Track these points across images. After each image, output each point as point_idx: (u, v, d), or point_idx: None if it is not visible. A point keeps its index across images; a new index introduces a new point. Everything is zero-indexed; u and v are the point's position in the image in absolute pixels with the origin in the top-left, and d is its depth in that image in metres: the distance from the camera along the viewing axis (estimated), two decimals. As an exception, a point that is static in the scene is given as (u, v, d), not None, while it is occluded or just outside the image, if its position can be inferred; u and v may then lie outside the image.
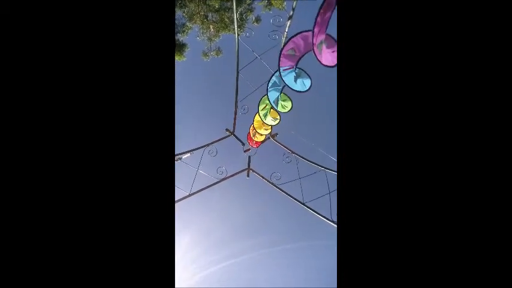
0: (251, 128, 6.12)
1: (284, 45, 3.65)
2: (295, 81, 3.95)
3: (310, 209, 5.67)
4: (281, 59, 3.73)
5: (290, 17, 4.52)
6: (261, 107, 5.19)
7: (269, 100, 4.67)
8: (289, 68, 3.86)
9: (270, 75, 4.47)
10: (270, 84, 4.53)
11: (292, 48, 3.60)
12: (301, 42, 3.52)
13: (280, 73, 3.88)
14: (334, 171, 6.02)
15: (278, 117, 5.26)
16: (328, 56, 3.09)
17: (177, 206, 5.61)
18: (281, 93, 4.65)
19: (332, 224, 5.27)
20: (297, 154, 6.52)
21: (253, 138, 6.29)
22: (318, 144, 6.49)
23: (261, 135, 6.15)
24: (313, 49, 2.98)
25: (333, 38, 2.98)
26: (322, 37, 2.91)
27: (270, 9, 6.85)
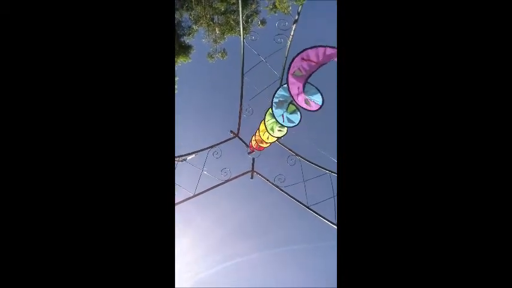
0: (254, 139, 6.11)
1: (288, 69, 3.75)
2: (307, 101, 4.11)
3: (314, 212, 5.67)
4: (289, 83, 3.81)
5: (295, 21, 4.55)
6: (268, 126, 5.27)
7: (280, 123, 4.83)
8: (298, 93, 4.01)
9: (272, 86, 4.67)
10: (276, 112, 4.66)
11: (298, 69, 3.70)
12: (305, 64, 3.65)
13: (295, 102, 4.07)
14: (338, 173, 5.98)
15: (285, 129, 5.29)
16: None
17: (180, 207, 5.65)
18: (288, 106, 4.70)
19: (336, 226, 5.26)
20: (301, 156, 6.53)
21: (256, 148, 6.29)
22: (322, 147, 6.48)
23: (267, 143, 6.15)
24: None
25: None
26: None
27: (275, 13, 6.86)
